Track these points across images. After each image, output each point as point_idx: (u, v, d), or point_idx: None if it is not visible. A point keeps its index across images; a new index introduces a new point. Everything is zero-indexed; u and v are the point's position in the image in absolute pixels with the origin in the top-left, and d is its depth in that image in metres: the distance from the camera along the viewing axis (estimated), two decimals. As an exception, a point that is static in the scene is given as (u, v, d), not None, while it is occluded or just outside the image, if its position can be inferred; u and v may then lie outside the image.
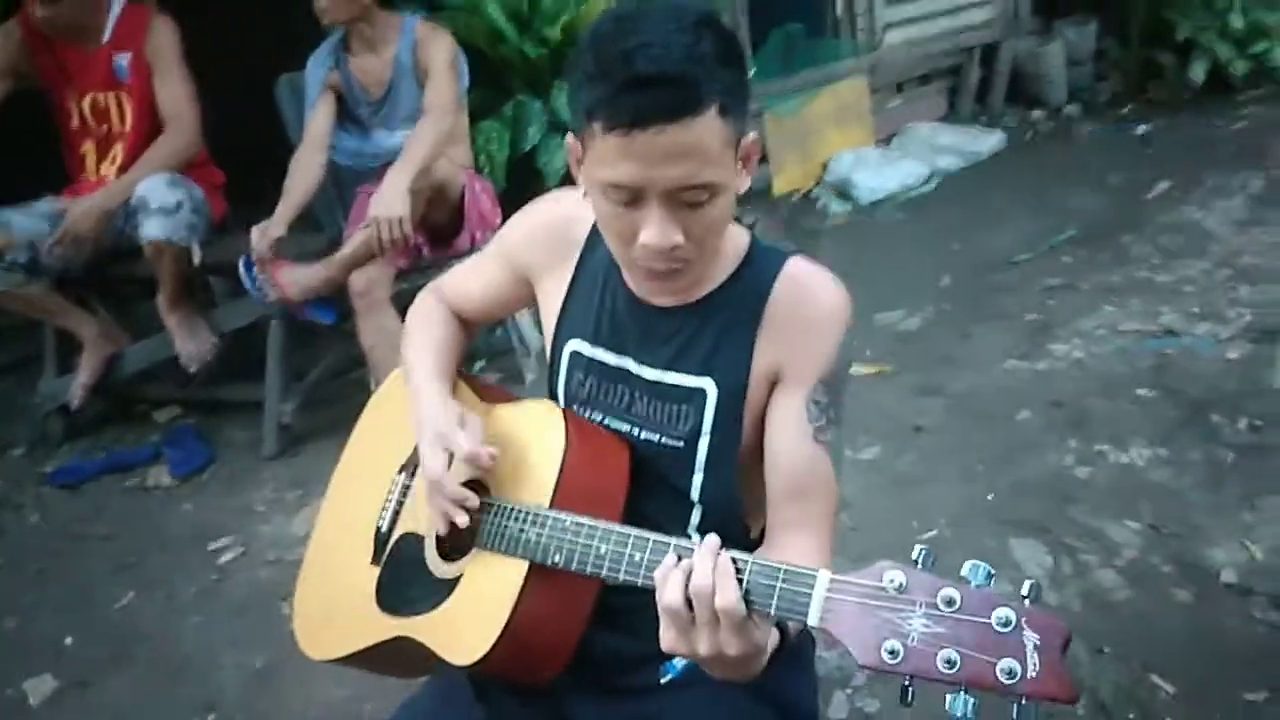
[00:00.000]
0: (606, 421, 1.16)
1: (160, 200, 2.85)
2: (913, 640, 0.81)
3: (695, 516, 1.12)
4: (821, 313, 1.08)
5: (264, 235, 2.75)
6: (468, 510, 1.09)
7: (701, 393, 1.10)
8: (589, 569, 1.01)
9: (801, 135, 4.52)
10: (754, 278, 1.10)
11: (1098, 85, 5.24)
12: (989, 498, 2.48)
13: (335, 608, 1.23)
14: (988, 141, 4.78)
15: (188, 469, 3.02)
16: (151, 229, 2.84)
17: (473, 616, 1.07)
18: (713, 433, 1.09)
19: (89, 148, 3.13)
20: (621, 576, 0.99)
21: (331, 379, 3.28)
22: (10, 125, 2.98)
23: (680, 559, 0.91)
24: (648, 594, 0.93)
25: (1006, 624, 0.78)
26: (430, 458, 1.11)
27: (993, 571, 0.82)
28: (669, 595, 0.89)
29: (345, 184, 3.17)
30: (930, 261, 3.78)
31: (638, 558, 0.97)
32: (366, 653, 1.18)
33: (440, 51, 2.86)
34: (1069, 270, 3.60)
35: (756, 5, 4.38)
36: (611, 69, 0.92)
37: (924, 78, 5.12)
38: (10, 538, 2.85)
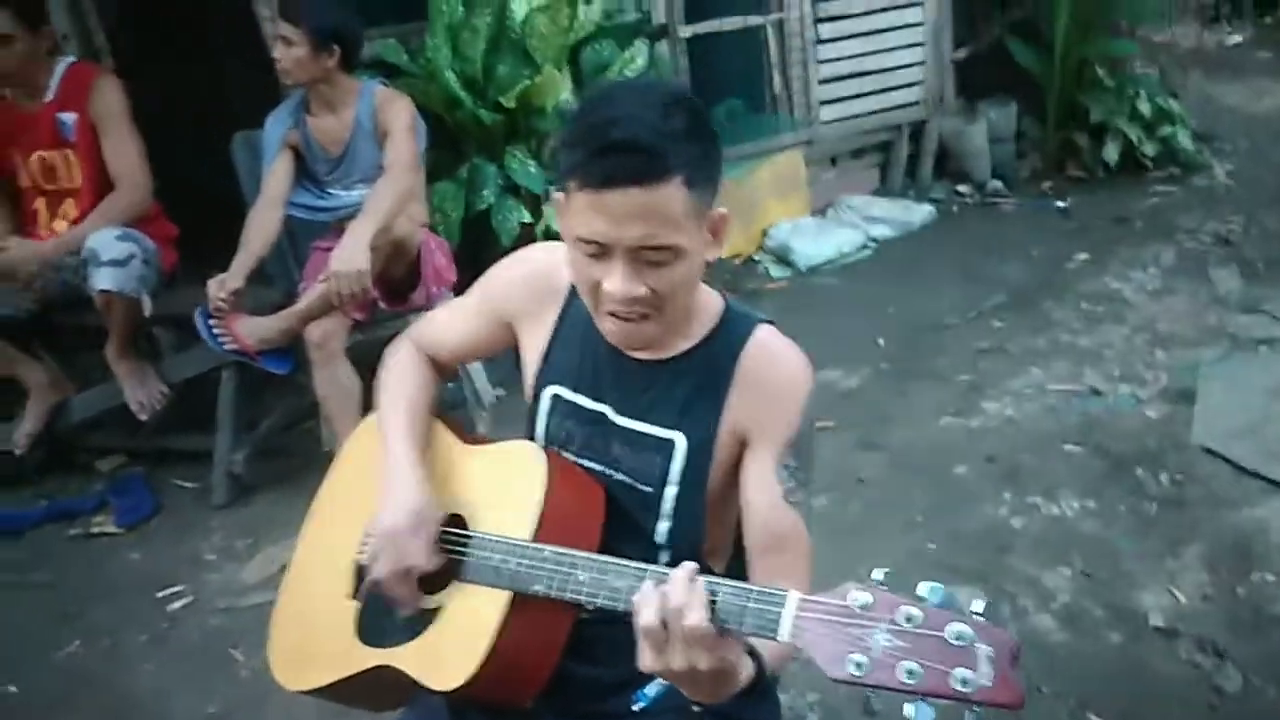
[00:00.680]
0: (582, 462, 1.23)
1: (110, 253, 2.83)
2: (876, 654, 0.87)
3: (663, 559, 1.18)
4: (787, 378, 1.17)
5: (222, 286, 2.76)
6: (444, 549, 1.18)
7: (671, 444, 1.18)
8: (568, 595, 1.08)
9: (743, 204, 4.68)
10: (726, 340, 1.19)
11: (1019, 162, 5.51)
12: (930, 546, 2.58)
13: (313, 640, 1.26)
14: (918, 213, 4.99)
15: (134, 518, 2.96)
16: (102, 280, 2.83)
17: (455, 644, 1.12)
18: (680, 482, 1.17)
19: (40, 204, 3.10)
20: (601, 602, 1.06)
21: (283, 429, 3.25)
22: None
23: (657, 584, 0.98)
24: (619, 625, 1.00)
25: (961, 638, 0.85)
26: (383, 562, 1.18)
27: (947, 591, 0.90)
28: (646, 616, 0.95)
29: (299, 238, 3.21)
30: (867, 324, 3.92)
31: (617, 584, 1.05)
32: (344, 683, 1.21)
33: (400, 114, 2.94)
34: (998, 334, 3.77)
35: (700, 81, 4.58)
36: (590, 136, 1.03)
37: (857, 152, 5.35)
38: (-54, 586, 2.76)
